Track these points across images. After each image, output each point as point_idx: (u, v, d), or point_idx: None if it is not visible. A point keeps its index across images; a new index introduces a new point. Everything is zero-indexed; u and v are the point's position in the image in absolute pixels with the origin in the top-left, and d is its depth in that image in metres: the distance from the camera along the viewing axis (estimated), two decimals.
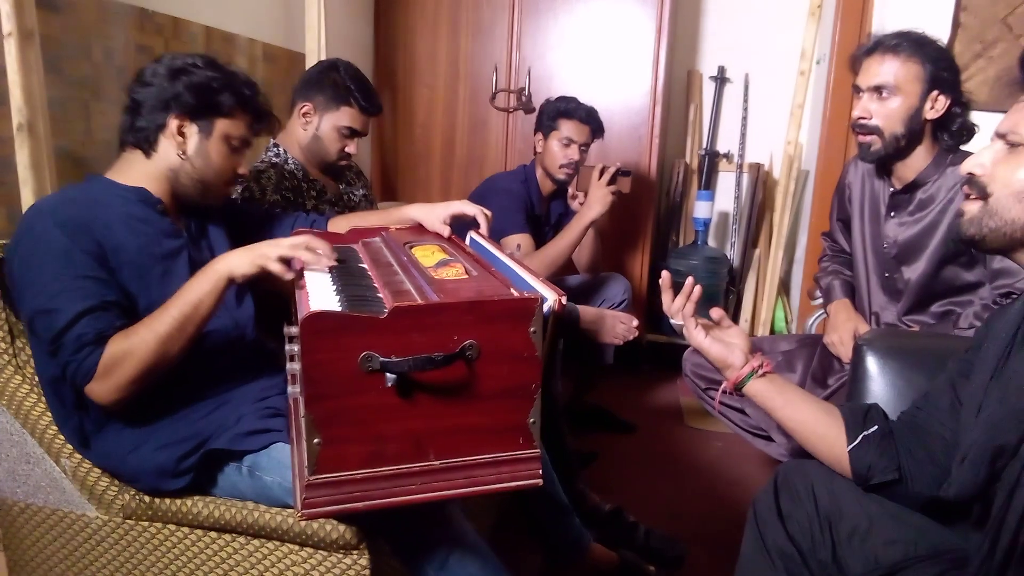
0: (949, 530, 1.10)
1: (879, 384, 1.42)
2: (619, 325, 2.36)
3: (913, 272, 1.81)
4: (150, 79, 1.36)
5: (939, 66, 1.69)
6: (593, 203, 2.35)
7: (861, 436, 1.14)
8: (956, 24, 2.84)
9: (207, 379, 1.37)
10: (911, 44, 1.70)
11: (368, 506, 1.06)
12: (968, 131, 1.74)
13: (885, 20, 2.88)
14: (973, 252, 1.71)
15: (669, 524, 2.02)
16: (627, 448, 2.63)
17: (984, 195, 0.98)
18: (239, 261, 1.27)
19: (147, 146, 1.38)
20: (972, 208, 1.00)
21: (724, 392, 1.27)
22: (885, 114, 1.72)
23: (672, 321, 1.29)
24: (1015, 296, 1.60)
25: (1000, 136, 0.99)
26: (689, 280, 1.26)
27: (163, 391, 1.30)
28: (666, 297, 1.28)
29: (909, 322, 1.83)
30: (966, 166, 1.01)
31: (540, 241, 2.56)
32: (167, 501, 1.33)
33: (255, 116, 1.45)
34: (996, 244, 0.98)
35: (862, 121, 1.75)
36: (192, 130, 1.38)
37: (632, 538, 1.90)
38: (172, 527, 1.35)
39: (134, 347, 1.20)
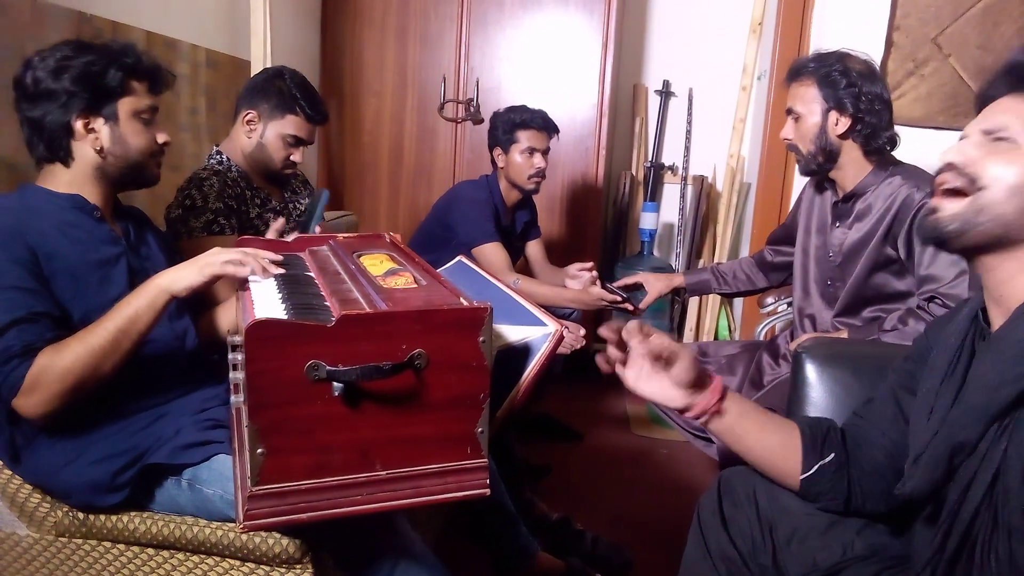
0: (885, 529, 1.13)
1: (818, 391, 1.45)
2: (567, 335, 2.36)
3: (850, 278, 1.86)
4: (33, 92, 1.30)
5: (836, 88, 1.76)
6: (577, 299, 2.40)
7: (817, 467, 1.11)
8: (889, 43, 2.95)
9: (145, 391, 1.34)
10: (812, 70, 1.80)
11: (312, 517, 1.04)
12: (890, 141, 1.80)
13: (823, 38, 2.97)
14: (904, 262, 1.76)
15: (616, 531, 2.03)
16: (575, 456, 2.65)
17: (973, 188, 0.92)
18: (182, 274, 1.25)
19: (64, 156, 1.33)
20: (954, 206, 0.93)
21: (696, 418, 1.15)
22: (798, 135, 1.85)
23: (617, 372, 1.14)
24: (938, 300, 1.66)
25: (986, 133, 0.94)
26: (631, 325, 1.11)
27: (99, 403, 1.26)
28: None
29: (838, 323, 1.90)
30: (947, 155, 0.95)
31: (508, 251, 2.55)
32: (102, 517, 1.29)
33: (150, 79, 1.40)
34: (975, 241, 0.92)
35: (784, 140, 1.90)
36: (99, 123, 1.33)
37: (579, 546, 1.91)
38: (107, 544, 1.31)
39: (65, 361, 1.17)
